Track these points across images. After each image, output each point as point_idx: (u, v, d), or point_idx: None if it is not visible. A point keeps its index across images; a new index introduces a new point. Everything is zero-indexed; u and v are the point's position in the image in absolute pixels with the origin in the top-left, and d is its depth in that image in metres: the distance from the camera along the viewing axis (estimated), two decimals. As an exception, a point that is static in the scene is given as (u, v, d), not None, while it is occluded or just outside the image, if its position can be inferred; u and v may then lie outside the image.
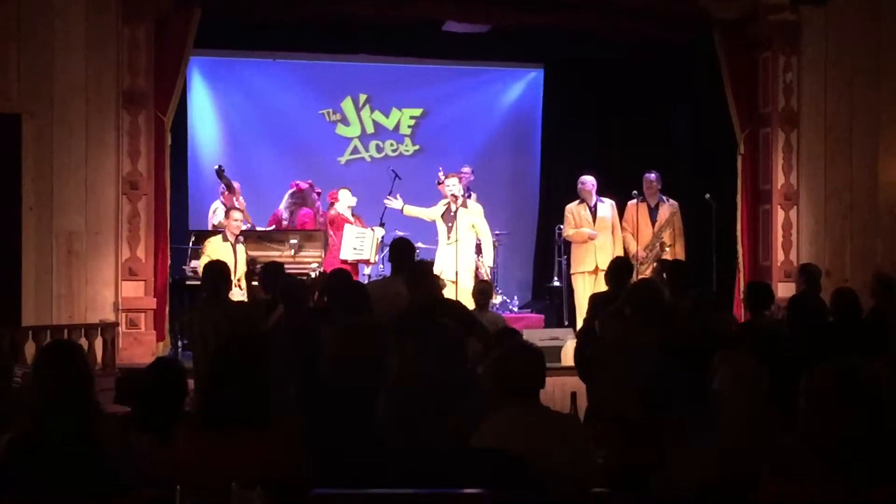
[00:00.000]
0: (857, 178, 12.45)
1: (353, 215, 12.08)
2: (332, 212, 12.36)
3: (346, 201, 12.01)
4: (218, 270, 7.86)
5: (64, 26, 10.88)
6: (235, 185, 12.45)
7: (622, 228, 12.44)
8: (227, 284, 7.92)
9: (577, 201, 12.48)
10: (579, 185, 12.40)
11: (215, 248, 10.98)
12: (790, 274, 12.12)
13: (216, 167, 12.49)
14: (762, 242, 12.55)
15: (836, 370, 3.23)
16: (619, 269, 8.72)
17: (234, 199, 12.32)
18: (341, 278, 7.82)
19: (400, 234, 11.50)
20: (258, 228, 12.42)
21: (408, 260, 7.97)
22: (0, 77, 10.78)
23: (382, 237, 12.24)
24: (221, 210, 12.31)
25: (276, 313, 7.76)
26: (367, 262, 12.14)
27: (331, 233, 12.05)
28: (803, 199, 12.41)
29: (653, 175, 12.47)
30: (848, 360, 3.25)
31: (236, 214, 11.33)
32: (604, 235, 12.27)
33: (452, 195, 11.85)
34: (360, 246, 11.79)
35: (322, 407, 5.47)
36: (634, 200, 12.37)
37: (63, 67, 10.88)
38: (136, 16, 11.03)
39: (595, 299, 8.46)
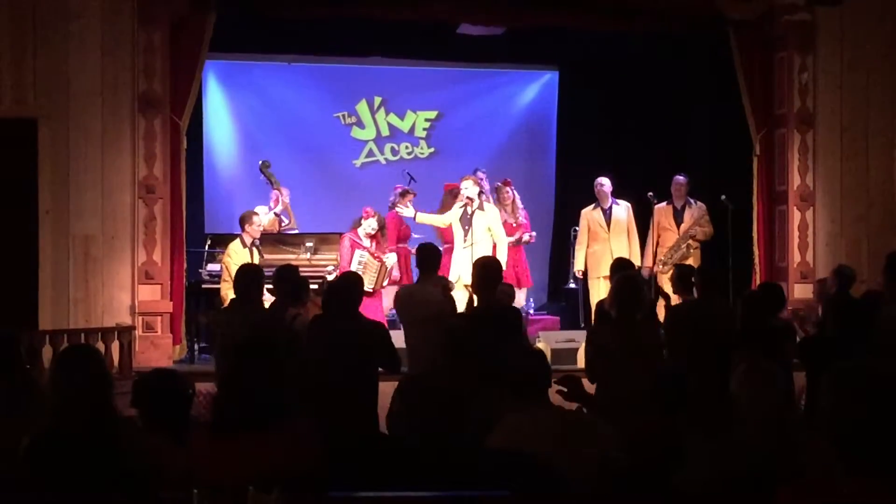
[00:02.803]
0: (873, 179, 12.41)
1: (376, 234, 11.80)
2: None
3: (368, 227, 11.81)
4: (251, 274, 7.85)
5: (79, 31, 10.92)
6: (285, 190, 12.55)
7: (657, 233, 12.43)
8: (259, 288, 7.89)
9: (592, 205, 12.49)
10: (597, 187, 12.40)
11: (236, 253, 11.02)
12: (807, 275, 12.11)
13: (260, 161, 12.60)
14: (778, 243, 12.51)
15: (861, 369, 3.22)
16: (618, 270, 8.68)
17: (280, 195, 12.40)
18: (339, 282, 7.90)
19: (416, 236, 11.54)
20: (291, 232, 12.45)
21: (435, 265, 8.14)
22: (16, 82, 10.84)
23: (392, 266, 12.25)
24: (263, 214, 12.41)
25: (289, 315, 7.77)
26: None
27: (341, 252, 11.76)
28: (819, 200, 12.37)
29: (681, 178, 12.43)
30: (872, 359, 3.24)
31: (256, 219, 11.38)
32: (619, 239, 12.26)
33: (468, 198, 11.80)
34: (368, 273, 11.59)
35: (326, 408, 5.48)
36: (661, 204, 12.37)
37: (79, 72, 10.93)
38: (152, 20, 11.07)
39: (601, 306, 8.40)
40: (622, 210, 12.39)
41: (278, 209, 12.65)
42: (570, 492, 3.90)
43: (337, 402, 5.65)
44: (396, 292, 8.50)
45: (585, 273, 12.50)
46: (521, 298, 12.25)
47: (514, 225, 12.27)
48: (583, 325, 12.67)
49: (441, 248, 9.94)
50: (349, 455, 3.90)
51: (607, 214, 12.37)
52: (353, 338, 6.72)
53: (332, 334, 6.62)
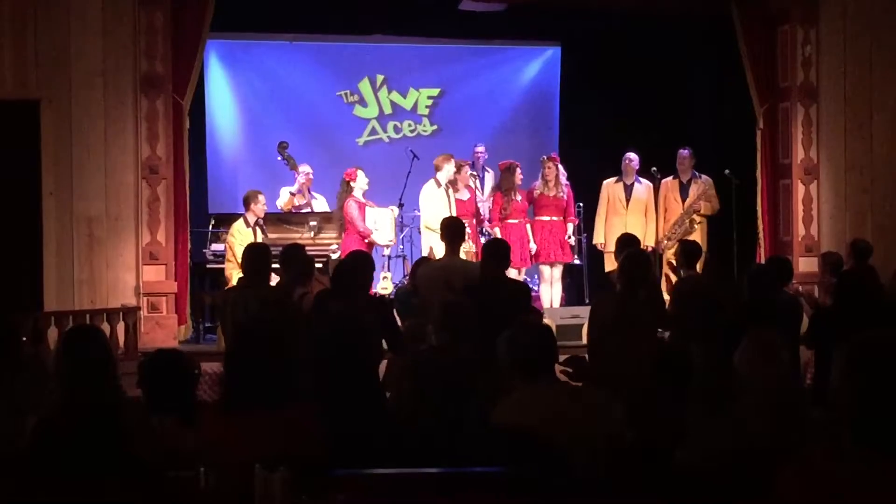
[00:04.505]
0: (877, 152, 12.37)
1: (363, 197, 11.97)
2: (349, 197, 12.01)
3: (362, 183, 11.92)
4: (259, 254, 7.83)
5: (80, 12, 10.91)
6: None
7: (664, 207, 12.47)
8: (268, 268, 7.88)
9: (614, 178, 12.54)
10: (624, 161, 12.50)
11: (240, 233, 11.05)
12: (811, 248, 12.11)
13: (278, 143, 12.62)
14: (783, 217, 12.50)
15: (872, 342, 3.21)
16: (623, 245, 8.72)
17: (297, 174, 12.43)
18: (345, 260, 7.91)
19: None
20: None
21: (459, 239, 8.22)
22: (18, 64, 10.83)
23: (399, 216, 12.33)
24: (283, 194, 12.45)
25: (296, 294, 7.78)
26: (389, 244, 12.14)
27: (353, 216, 11.77)
28: (823, 174, 12.36)
29: (686, 151, 12.46)
30: (884, 331, 3.21)
31: (261, 198, 11.42)
32: (636, 216, 12.32)
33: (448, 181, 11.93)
34: (382, 227, 11.78)
35: (331, 387, 5.49)
36: (668, 178, 12.39)
37: (80, 53, 10.92)
38: (153, 0, 11.05)
39: (609, 277, 8.49)
40: (643, 189, 12.45)
41: (294, 188, 12.61)
42: (573, 469, 3.91)
43: (341, 382, 5.66)
44: (420, 270, 8.40)
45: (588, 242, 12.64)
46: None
47: (551, 196, 12.16)
48: (587, 301, 12.68)
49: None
50: (354, 433, 3.91)
51: (628, 190, 12.45)
52: (355, 315, 6.71)
53: (336, 312, 6.61)
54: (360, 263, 7.51)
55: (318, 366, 5.81)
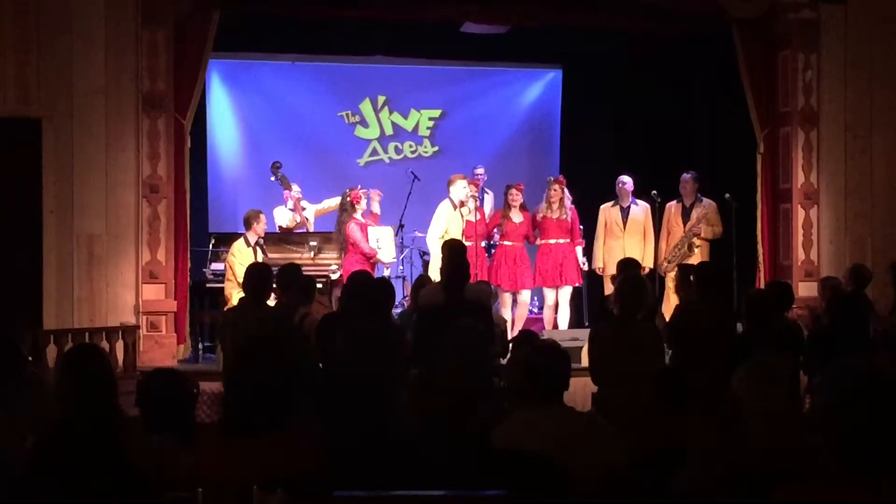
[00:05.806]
0: (877, 177, 12.39)
1: (363, 216, 11.97)
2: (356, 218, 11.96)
3: (363, 205, 11.91)
4: (260, 274, 7.83)
5: (83, 31, 10.92)
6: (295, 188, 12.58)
7: (667, 232, 12.45)
8: (269, 288, 7.88)
9: (611, 202, 12.52)
10: (618, 185, 12.43)
11: (240, 253, 11.06)
12: (811, 273, 12.10)
13: (272, 163, 12.62)
14: (783, 242, 12.50)
15: (855, 368, 3.22)
16: (623, 269, 8.73)
17: (290, 195, 12.43)
18: (363, 280, 7.87)
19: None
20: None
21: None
22: (20, 82, 10.83)
23: (399, 237, 12.36)
24: (284, 214, 12.45)
25: (298, 315, 7.79)
26: (392, 261, 12.18)
27: (356, 238, 11.70)
28: (824, 198, 12.37)
29: (688, 175, 12.43)
30: (865, 358, 3.24)
31: (263, 218, 11.44)
32: (634, 238, 12.29)
33: (461, 201, 11.91)
34: (384, 245, 11.80)
35: (338, 407, 5.49)
36: (672, 202, 12.39)
37: (83, 71, 10.93)
38: (156, 19, 11.07)
39: (601, 303, 8.50)
40: (640, 211, 12.41)
41: (290, 206, 12.63)
42: (573, 492, 3.90)
43: (359, 402, 5.65)
44: (422, 292, 8.39)
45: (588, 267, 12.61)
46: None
47: (555, 219, 12.06)
48: (587, 323, 12.67)
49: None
50: (358, 455, 3.90)
51: (625, 213, 12.41)
52: (379, 337, 6.71)
53: (360, 333, 6.59)
54: (387, 285, 7.55)
55: (340, 383, 5.81)
